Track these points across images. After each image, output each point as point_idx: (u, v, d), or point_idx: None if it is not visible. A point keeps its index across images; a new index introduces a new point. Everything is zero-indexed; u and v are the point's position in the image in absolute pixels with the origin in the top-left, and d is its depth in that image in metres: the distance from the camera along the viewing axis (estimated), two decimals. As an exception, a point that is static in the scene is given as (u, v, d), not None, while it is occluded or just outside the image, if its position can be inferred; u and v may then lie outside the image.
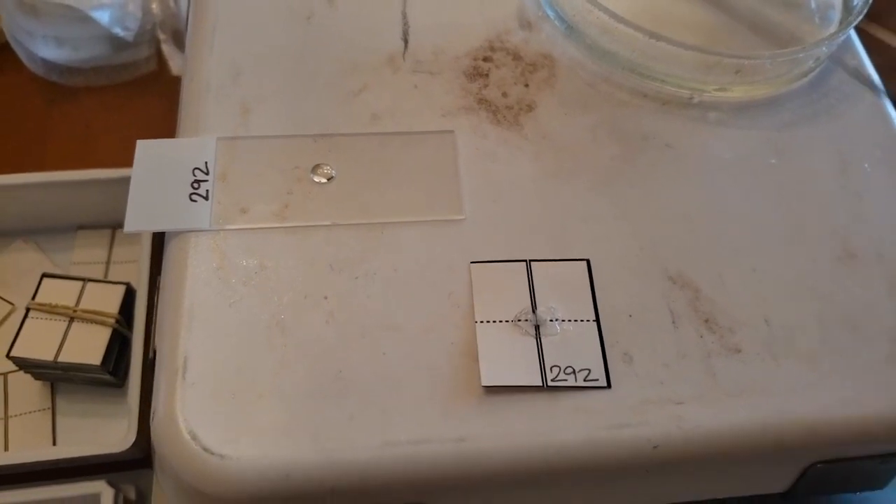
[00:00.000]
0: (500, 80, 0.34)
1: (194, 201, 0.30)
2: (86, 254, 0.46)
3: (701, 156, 0.33)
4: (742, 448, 0.27)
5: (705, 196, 0.32)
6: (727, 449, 0.27)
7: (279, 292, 0.28)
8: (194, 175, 0.31)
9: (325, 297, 0.29)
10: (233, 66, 0.34)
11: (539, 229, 0.31)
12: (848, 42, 0.38)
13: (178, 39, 0.55)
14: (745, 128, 0.34)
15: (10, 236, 0.46)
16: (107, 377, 0.41)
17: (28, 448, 0.40)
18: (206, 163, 0.31)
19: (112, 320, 0.41)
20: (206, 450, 0.26)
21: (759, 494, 0.30)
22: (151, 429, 0.27)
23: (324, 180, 0.31)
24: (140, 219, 0.30)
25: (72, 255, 0.46)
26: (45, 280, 0.41)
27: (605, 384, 0.27)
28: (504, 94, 0.34)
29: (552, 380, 0.27)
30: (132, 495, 0.38)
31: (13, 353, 0.39)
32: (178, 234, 0.30)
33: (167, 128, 0.45)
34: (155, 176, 0.31)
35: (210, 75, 0.34)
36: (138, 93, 0.53)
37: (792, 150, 0.34)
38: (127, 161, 0.44)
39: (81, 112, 0.52)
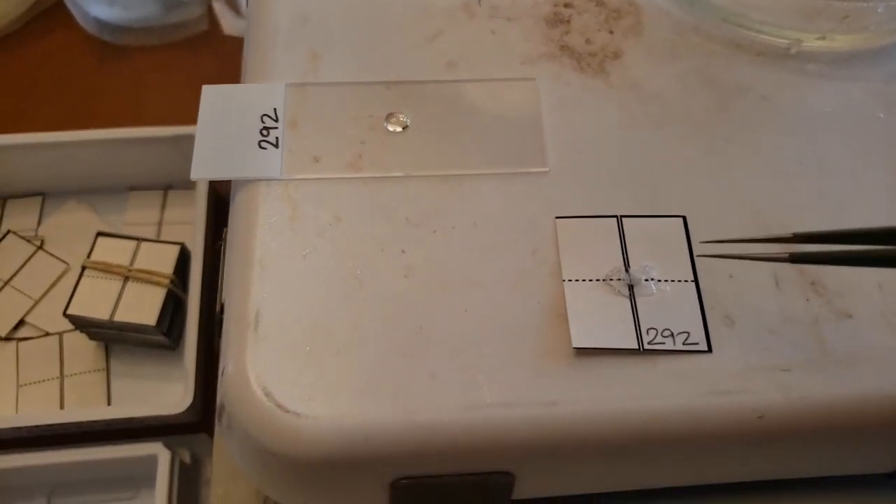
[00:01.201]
0: (582, 27, 0.32)
1: (264, 149, 0.28)
2: (138, 215, 0.45)
3: (801, 109, 0.31)
4: (852, 421, 0.25)
5: (807, 152, 0.30)
6: (836, 421, 0.25)
7: (355, 245, 0.27)
8: (263, 122, 0.29)
9: (403, 251, 0.27)
10: (300, 9, 0.32)
11: (629, 183, 0.29)
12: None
13: (230, -2, 0.53)
14: (849, 79, 0.32)
15: (63, 196, 0.45)
16: (161, 339, 0.40)
17: (83, 407, 0.39)
18: (274, 109, 0.29)
19: (167, 281, 0.39)
20: (280, 407, 0.24)
21: (865, 474, 0.28)
22: (220, 385, 0.26)
23: (398, 129, 0.29)
24: (207, 166, 0.28)
25: (124, 216, 0.45)
26: (100, 239, 0.40)
27: (705, 348, 0.25)
28: (587, 41, 0.32)
29: (649, 343, 0.25)
30: (187, 459, 0.38)
31: (69, 312, 0.38)
32: (246, 182, 0.28)
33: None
34: (221, 122, 0.29)
35: (277, 20, 0.32)
36: (189, 52, 0.52)
37: (899, 104, 0.31)
38: (178, 120, 0.44)
39: (132, 71, 0.51)
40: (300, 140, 0.29)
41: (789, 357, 0.26)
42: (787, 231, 0.25)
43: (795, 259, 0.24)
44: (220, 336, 0.27)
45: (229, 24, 0.52)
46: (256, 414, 0.24)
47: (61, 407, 0.39)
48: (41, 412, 0.38)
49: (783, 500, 0.29)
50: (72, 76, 0.51)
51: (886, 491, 0.29)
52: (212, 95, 0.30)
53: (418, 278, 0.26)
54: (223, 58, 0.52)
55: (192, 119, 0.43)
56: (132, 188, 0.46)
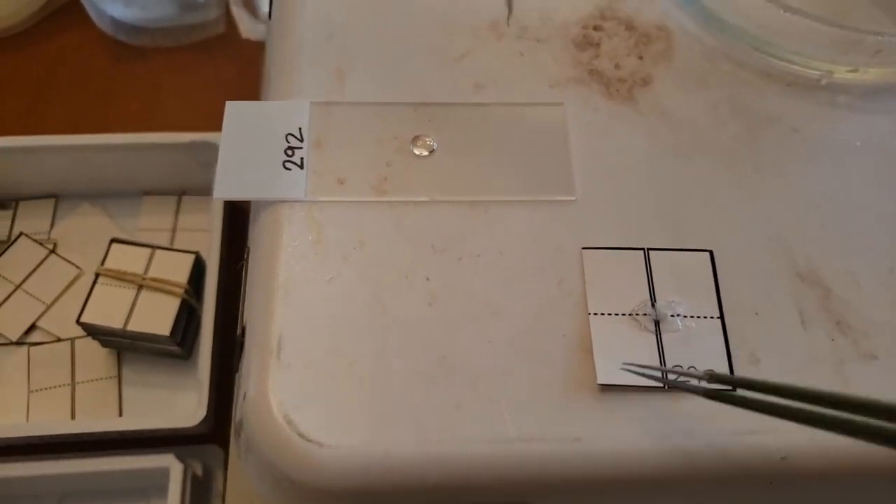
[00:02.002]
0: (612, 51, 0.32)
1: (288, 169, 0.28)
2: (152, 220, 0.45)
3: (831, 142, 0.31)
4: (875, 465, 0.25)
5: (837, 186, 0.30)
6: (859, 464, 0.25)
7: (379, 271, 0.27)
8: (287, 141, 0.29)
9: (427, 279, 0.27)
10: (326, 25, 0.32)
11: (656, 214, 0.28)
12: None
13: (248, 1, 0.53)
14: (880, 112, 0.31)
15: (77, 199, 0.45)
16: (174, 349, 0.40)
17: (94, 416, 0.39)
18: (299, 128, 0.29)
19: (181, 290, 0.39)
20: (302, 436, 0.24)
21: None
22: (239, 409, 0.26)
23: (425, 153, 0.29)
24: (230, 186, 0.28)
25: (138, 220, 0.45)
26: (114, 245, 0.40)
27: (730, 387, 0.25)
28: (617, 66, 0.31)
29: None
30: (199, 471, 0.37)
31: (83, 319, 0.38)
32: (270, 203, 0.28)
33: (235, 91, 0.43)
34: (245, 140, 0.29)
35: (302, 34, 0.31)
36: (206, 55, 0.52)
37: (929, 140, 0.31)
38: (194, 124, 0.43)
39: (148, 73, 0.51)
40: (325, 161, 0.29)
41: (815, 397, 0.25)
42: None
43: (710, 395, 0.23)
44: (240, 358, 0.27)
45: (247, 27, 0.52)
46: (277, 441, 0.24)
47: (72, 414, 0.39)
48: (52, 422, 0.38)
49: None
50: (86, 76, 0.50)
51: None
52: (235, 112, 0.29)
53: (442, 306, 0.26)
54: (240, 61, 0.51)
55: (207, 123, 0.43)
56: (146, 193, 0.45)
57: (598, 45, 0.32)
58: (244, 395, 0.25)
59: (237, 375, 0.27)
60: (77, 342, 0.40)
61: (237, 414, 0.26)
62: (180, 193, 0.46)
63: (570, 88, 0.31)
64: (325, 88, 0.30)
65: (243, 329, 0.27)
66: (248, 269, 0.28)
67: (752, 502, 0.27)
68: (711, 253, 0.27)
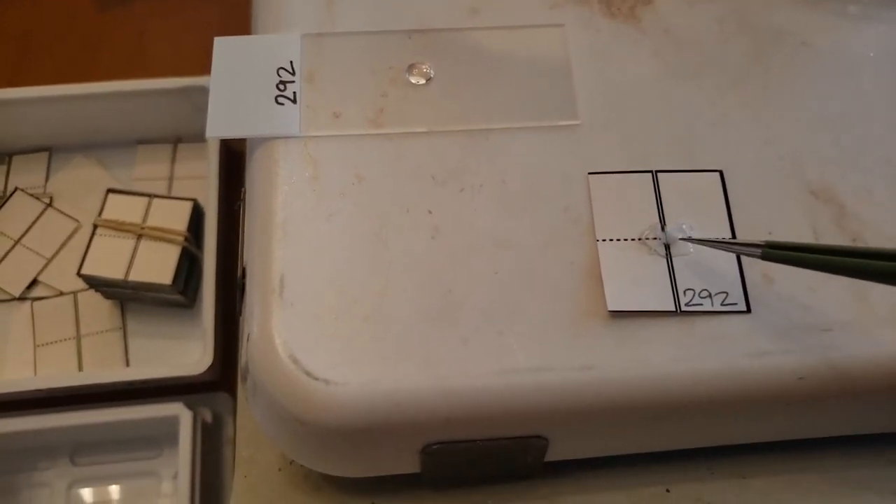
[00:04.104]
0: (612, -31, 0.30)
1: (281, 104, 0.27)
2: (147, 169, 0.44)
3: (842, 54, 0.29)
4: (895, 381, 0.25)
5: (849, 99, 0.28)
6: (879, 381, 0.25)
7: (379, 205, 0.26)
8: (279, 76, 0.28)
9: (430, 211, 0.26)
10: (314, -47, 0.30)
11: (663, 135, 0.27)
12: None
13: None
14: (892, 22, 0.30)
15: (70, 151, 0.44)
16: (177, 297, 0.39)
17: (101, 368, 0.39)
18: (291, 62, 0.28)
19: (181, 238, 0.38)
20: (308, 374, 0.23)
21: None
22: (245, 352, 0.25)
23: (421, 81, 0.28)
24: (222, 124, 0.27)
25: (133, 170, 0.44)
26: (111, 196, 0.39)
27: (744, 308, 0.25)
28: (618, -16, 0.30)
29: (686, 304, 0.24)
30: (208, 418, 0.37)
31: (83, 271, 0.37)
32: (264, 140, 0.27)
33: (222, 33, 0.42)
34: (236, 77, 0.28)
35: (289, -36, 0.30)
36: (191, -1, 0.50)
37: (945, 48, 0.30)
38: (183, 69, 0.42)
39: (134, 19, 0.49)
40: (318, 94, 0.28)
41: (830, 316, 0.25)
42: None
43: (768, 256, 0.23)
44: (241, 301, 0.26)
45: (232, -33, 0.50)
46: (284, 381, 0.24)
47: (80, 367, 0.38)
48: (60, 374, 0.37)
49: (821, 457, 0.29)
50: (71, 26, 0.49)
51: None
52: (225, 48, 0.28)
53: (446, 239, 0.25)
54: (226, 3, 0.49)
55: (195, 67, 0.42)
56: (140, 142, 0.44)
57: (598, -38, 0.31)
58: (248, 336, 0.25)
59: (241, 319, 0.27)
60: (80, 295, 0.40)
61: (243, 356, 0.26)
62: (175, 141, 0.45)
63: (569, 9, 0.30)
64: (316, 19, 0.29)
65: (244, 270, 0.26)
66: (246, 209, 0.27)
67: (767, 422, 0.26)
68: (721, 173, 0.27)
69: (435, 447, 0.25)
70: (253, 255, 0.26)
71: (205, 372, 0.36)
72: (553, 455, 0.26)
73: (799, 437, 0.28)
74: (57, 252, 0.41)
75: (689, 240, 0.25)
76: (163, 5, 0.50)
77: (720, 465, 0.29)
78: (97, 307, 0.40)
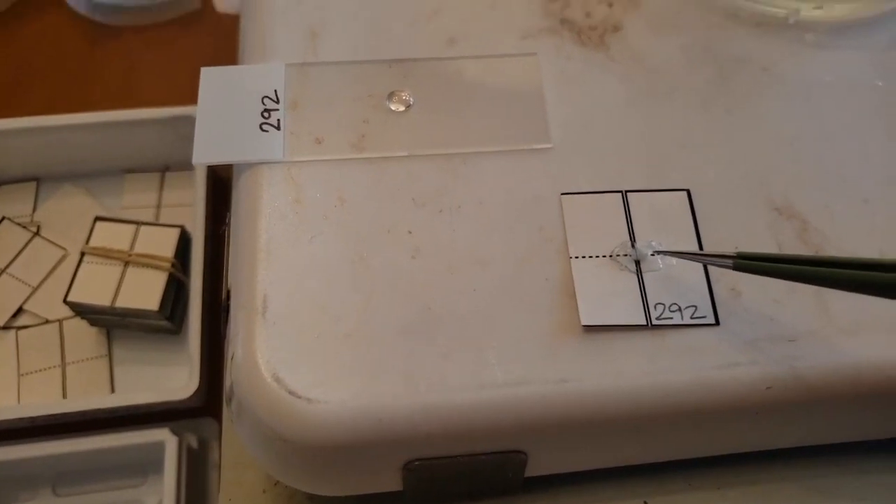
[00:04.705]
0: (582, 0, 0.32)
1: (265, 131, 0.28)
2: (135, 198, 0.45)
3: (801, 79, 0.31)
4: (859, 389, 0.26)
5: (808, 121, 0.30)
6: (843, 389, 0.25)
7: (361, 227, 0.27)
8: (264, 104, 0.29)
9: (410, 232, 0.27)
10: (296, -13, 0.32)
11: (632, 157, 0.28)
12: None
13: (220, -25, 0.52)
14: (847, 48, 0.32)
15: (59, 180, 0.45)
16: (164, 323, 0.40)
17: (86, 395, 0.39)
18: (275, 91, 0.29)
19: (168, 264, 0.39)
20: (291, 393, 0.24)
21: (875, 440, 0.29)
22: (229, 373, 0.26)
23: (401, 108, 0.29)
24: (208, 151, 0.28)
25: (121, 199, 0.44)
26: (98, 223, 0.40)
27: (713, 321, 0.26)
28: (587, 14, 0.31)
29: (657, 318, 0.25)
30: (194, 444, 0.38)
31: (70, 299, 0.38)
32: (249, 166, 0.28)
33: (214, 64, 0.43)
34: (222, 105, 0.29)
35: (273, -2, 0.31)
36: (182, 31, 0.51)
37: (899, 73, 0.31)
38: (173, 101, 0.43)
39: (125, 52, 0.50)
40: (302, 121, 0.29)
41: (795, 327, 0.26)
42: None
43: (739, 267, 0.24)
44: (226, 323, 0.27)
45: (223, 1, 0.51)
46: (267, 400, 0.24)
47: (64, 395, 0.39)
48: (44, 402, 0.38)
49: (794, 467, 0.29)
50: (63, 58, 0.50)
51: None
52: (211, 78, 0.29)
53: (426, 258, 0.26)
54: (217, 36, 0.51)
55: (186, 99, 0.42)
56: (129, 171, 0.45)
57: (568, -6, 0.32)
58: (232, 356, 0.25)
59: (226, 341, 0.27)
60: (65, 323, 0.40)
61: (227, 377, 0.26)
62: (163, 169, 0.45)
63: (542, 39, 0.31)
64: (299, 50, 0.30)
65: (228, 292, 0.27)
66: (231, 232, 0.28)
67: (740, 433, 0.27)
68: (689, 192, 0.28)
69: (416, 464, 0.25)
70: (237, 277, 0.26)
71: (190, 397, 0.36)
72: (533, 470, 0.27)
73: (773, 448, 0.28)
74: (43, 280, 0.41)
75: (665, 252, 0.26)
76: (154, 38, 0.51)
77: (698, 477, 0.29)
78: (83, 335, 0.40)
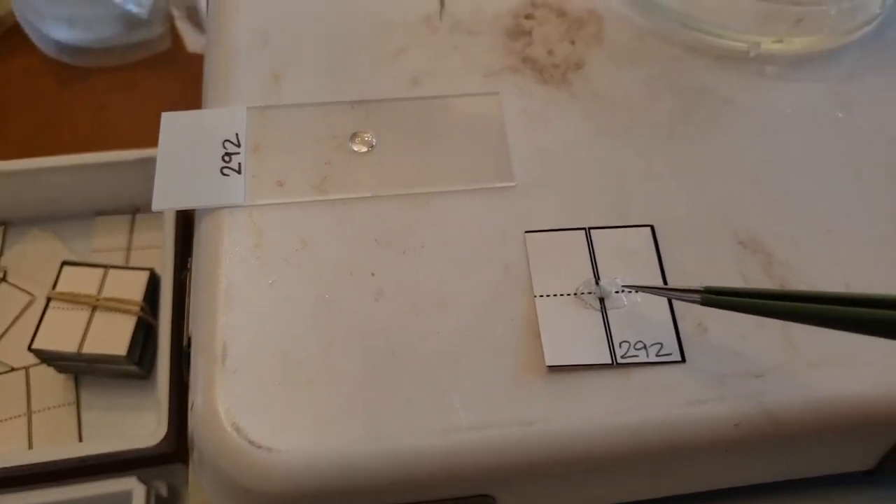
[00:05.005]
0: (544, 38, 0.32)
1: (226, 175, 0.28)
2: (105, 241, 0.44)
3: (762, 111, 0.31)
4: (826, 422, 0.25)
5: (770, 153, 0.30)
6: (811, 424, 0.25)
7: (323, 270, 0.26)
8: (225, 147, 0.29)
9: (373, 274, 0.26)
10: (260, 29, 0.32)
11: (596, 193, 0.28)
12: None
13: (193, 16, 0.52)
14: (807, 80, 0.32)
15: (27, 224, 0.44)
16: (132, 368, 0.39)
17: (53, 444, 0.38)
18: (236, 134, 0.29)
19: (136, 308, 0.39)
20: (251, 443, 0.24)
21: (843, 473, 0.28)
22: (190, 422, 0.25)
23: (364, 149, 0.29)
24: (168, 196, 0.28)
25: (91, 242, 0.44)
26: (66, 268, 0.39)
27: (679, 358, 0.25)
28: (550, 52, 0.32)
29: (622, 356, 0.25)
30: (164, 492, 0.37)
31: (35, 346, 0.37)
32: (210, 210, 0.28)
33: (184, 107, 0.43)
34: (182, 150, 0.29)
35: (237, 40, 0.31)
36: (153, 72, 0.51)
37: (859, 103, 0.32)
38: (142, 142, 0.43)
39: (94, 93, 0.50)
40: (263, 164, 0.28)
41: (762, 362, 0.26)
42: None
43: (707, 302, 0.24)
44: (188, 369, 0.27)
45: (193, 41, 0.52)
46: (227, 450, 0.24)
47: (30, 445, 0.38)
48: (8, 453, 0.37)
49: (767, 502, 0.29)
50: (32, 100, 0.50)
51: (869, 488, 0.29)
52: (171, 122, 0.29)
53: (389, 301, 0.26)
54: (187, 77, 0.51)
55: (156, 140, 0.42)
56: (98, 213, 0.45)
57: (530, 33, 0.32)
58: (192, 405, 0.25)
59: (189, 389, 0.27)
60: (32, 370, 0.40)
61: (189, 426, 0.26)
62: (133, 212, 0.45)
63: (504, 77, 0.31)
64: (262, 92, 0.30)
65: (188, 339, 0.27)
66: (192, 278, 0.28)
67: (709, 470, 0.27)
68: (653, 228, 0.28)
69: (382, 510, 0.25)
70: (197, 323, 0.26)
71: (159, 443, 0.36)
72: (502, 512, 0.26)
73: (745, 484, 0.28)
74: (9, 327, 0.41)
75: (633, 287, 0.26)
76: (124, 79, 0.51)
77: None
78: (50, 382, 0.39)
